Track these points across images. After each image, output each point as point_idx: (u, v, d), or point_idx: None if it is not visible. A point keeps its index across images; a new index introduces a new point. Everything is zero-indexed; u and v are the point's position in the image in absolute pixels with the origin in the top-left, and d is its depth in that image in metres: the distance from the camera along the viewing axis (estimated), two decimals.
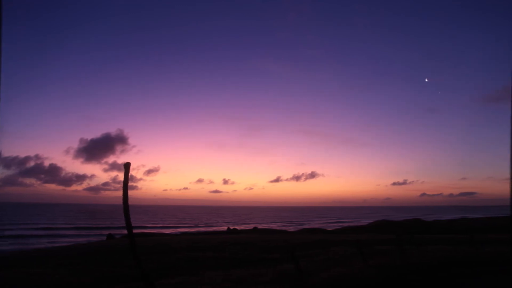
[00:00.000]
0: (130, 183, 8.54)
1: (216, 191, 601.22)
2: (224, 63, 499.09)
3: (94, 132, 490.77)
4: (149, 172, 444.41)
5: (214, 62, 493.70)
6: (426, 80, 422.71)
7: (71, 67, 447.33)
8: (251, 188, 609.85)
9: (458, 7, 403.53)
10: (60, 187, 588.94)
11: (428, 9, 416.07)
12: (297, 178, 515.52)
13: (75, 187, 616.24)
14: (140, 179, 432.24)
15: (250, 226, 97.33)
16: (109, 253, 28.56)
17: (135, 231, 9.56)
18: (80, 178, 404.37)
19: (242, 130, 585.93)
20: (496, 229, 57.91)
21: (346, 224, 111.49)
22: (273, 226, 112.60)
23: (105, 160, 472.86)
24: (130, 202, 8.35)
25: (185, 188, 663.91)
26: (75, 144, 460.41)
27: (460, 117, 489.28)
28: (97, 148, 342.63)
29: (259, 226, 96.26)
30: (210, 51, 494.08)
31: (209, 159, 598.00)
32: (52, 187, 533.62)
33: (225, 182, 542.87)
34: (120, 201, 8.26)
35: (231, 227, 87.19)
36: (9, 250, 43.14)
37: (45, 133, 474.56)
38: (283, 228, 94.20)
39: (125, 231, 8.63)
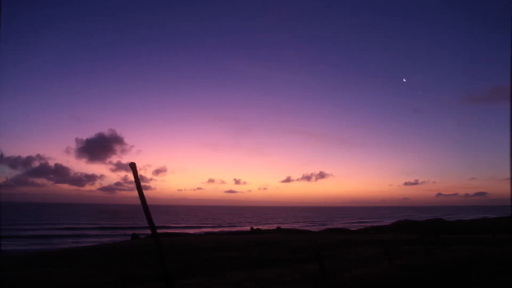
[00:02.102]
0: (142, 184, 8.65)
1: (231, 191, 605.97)
2: (216, 64, 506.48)
3: (86, 132, 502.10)
4: (158, 172, 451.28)
5: (208, 62, 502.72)
6: (404, 80, 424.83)
7: (59, 65, 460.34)
8: (265, 188, 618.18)
9: (445, 11, 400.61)
10: (74, 187, 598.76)
11: (418, 11, 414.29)
12: (307, 178, 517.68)
13: (89, 187, 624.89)
14: (151, 179, 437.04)
15: (273, 226, 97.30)
16: (133, 253, 28.91)
17: (158, 231, 9.60)
18: (90, 178, 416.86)
19: (237, 130, 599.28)
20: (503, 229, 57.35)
21: (368, 224, 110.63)
22: (296, 226, 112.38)
23: (109, 160, 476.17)
24: (148, 202, 8.38)
25: (199, 188, 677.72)
26: (69, 144, 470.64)
27: (456, 117, 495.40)
28: (96, 148, 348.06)
29: (282, 226, 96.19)
30: (204, 51, 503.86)
31: (210, 159, 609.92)
32: (65, 187, 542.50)
33: (237, 182, 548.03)
34: (138, 201, 8.31)
35: (255, 227, 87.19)
36: (34, 250, 43.94)
37: (37, 133, 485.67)
38: (306, 228, 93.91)
39: (149, 231, 8.68)
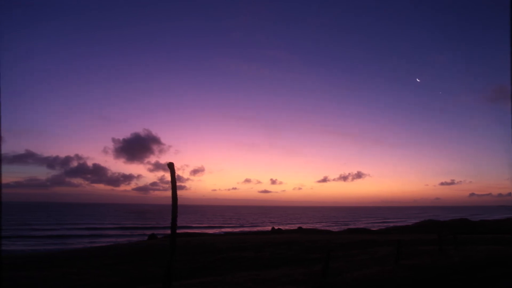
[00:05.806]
0: (178, 183, 8.90)
1: (265, 191, 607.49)
2: (250, 67, 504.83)
3: (119, 132, 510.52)
4: (195, 172, 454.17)
5: (242, 65, 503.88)
6: (417, 80, 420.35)
7: (89, 66, 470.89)
8: (300, 188, 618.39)
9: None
10: (109, 187, 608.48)
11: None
12: (344, 178, 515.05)
13: (124, 187, 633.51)
14: (188, 179, 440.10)
15: (295, 226, 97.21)
16: (145, 253, 29.31)
17: (179, 231, 9.96)
18: (127, 178, 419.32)
19: (272, 131, 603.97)
20: None
21: (391, 224, 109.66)
22: (318, 226, 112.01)
23: (147, 160, 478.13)
24: (180, 202, 8.73)
25: (234, 188, 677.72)
26: (106, 144, 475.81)
27: (491, 116, 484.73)
28: (134, 148, 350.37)
29: (304, 226, 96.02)
30: (239, 55, 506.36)
31: (248, 159, 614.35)
32: (101, 187, 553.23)
33: (273, 182, 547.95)
34: (169, 201, 8.76)
35: (276, 227, 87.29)
36: (45, 250, 45.02)
37: (72, 133, 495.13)
38: (328, 228, 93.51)
39: (169, 231, 9.11)
